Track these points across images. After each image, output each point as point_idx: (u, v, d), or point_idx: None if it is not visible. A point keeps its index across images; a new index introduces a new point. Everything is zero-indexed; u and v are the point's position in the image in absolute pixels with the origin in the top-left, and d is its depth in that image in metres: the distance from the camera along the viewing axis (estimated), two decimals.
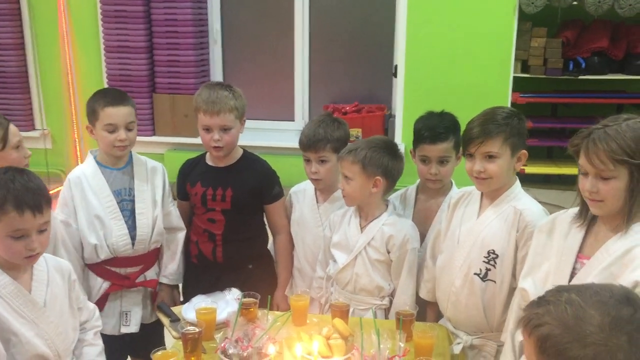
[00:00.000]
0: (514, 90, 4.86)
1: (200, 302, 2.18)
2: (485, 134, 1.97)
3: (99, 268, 2.28)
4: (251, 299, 2.11)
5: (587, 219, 1.71)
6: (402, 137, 5.07)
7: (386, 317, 2.22)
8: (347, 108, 5.21)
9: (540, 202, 2.06)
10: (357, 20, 5.35)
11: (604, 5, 4.67)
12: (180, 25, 5.17)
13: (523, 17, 4.83)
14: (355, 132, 5.22)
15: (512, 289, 1.96)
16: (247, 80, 5.52)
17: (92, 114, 2.38)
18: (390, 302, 2.24)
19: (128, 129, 2.38)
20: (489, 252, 1.96)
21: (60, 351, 1.80)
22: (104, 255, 2.38)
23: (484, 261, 1.97)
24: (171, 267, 2.55)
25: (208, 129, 2.44)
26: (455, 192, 2.27)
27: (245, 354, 1.89)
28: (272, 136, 5.35)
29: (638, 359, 1.02)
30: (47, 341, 1.76)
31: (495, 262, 1.95)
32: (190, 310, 2.16)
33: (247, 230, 2.56)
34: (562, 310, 1.05)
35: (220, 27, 5.47)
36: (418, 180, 2.40)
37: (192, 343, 1.89)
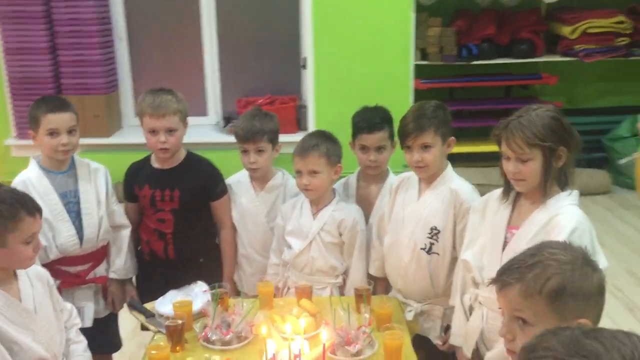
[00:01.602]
0: (415, 77, 5.23)
1: (172, 296, 2.31)
2: (419, 128, 2.23)
3: (50, 267, 2.34)
4: (223, 290, 2.27)
5: (512, 196, 2.02)
6: (315, 126, 5.30)
7: (341, 294, 2.45)
8: (261, 101, 5.37)
9: None
10: (263, 14, 5.51)
11: None
12: (85, 25, 5.10)
13: (420, 8, 5.21)
14: None
15: (452, 259, 2.25)
16: (156, 77, 5.53)
17: (34, 121, 2.43)
18: (344, 280, 2.47)
19: (70, 134, 2.45)
20: (431, 229, 2.24)
21: (56, 353, 1.89)
22: (53, 255, 2.44)
23: (427, 237, 2.24)
24: (118, 263, 2.64)
25: (154, 132, 2.55)
26: (392, 178, 2.53)
27: (227, 338, 2.06)
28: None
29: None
30: (44, 345, 1.84)
31: (438, 237, 2.23)
32: (164, 305, 2.29)
33: (196, 227, 2.69)
34: (557, 260, 1.30)
35: (125, 23, 5.44)
36: (358, 169, 2.63)
37: (177, 334, 2.03)
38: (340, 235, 2.43)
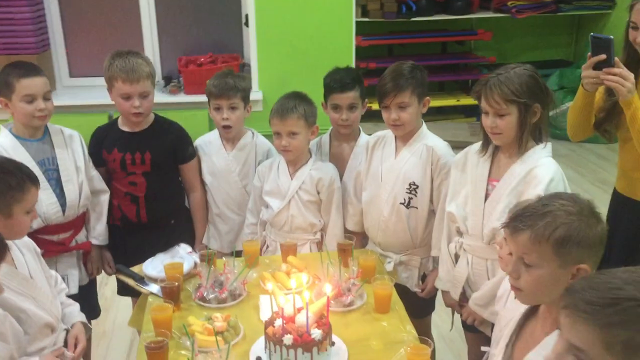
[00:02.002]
0: (356, 34, 5.30)
1: (159, 259, 2.34)
2: (397, 88, 2.32)
3: (32, 237, 2.31)
4: (212, 250, 2.33)
5: (490, 149, 2.16)
6: (258, 85, 5.30)
7: (319, 250, 2.55)
8: (202, 59, 5.31)
9: None
10: None
11: None
12: None
13: None
14: None
15: (429, 212, 2.38)
16: (91, 36, 5.35)
17: (7, 87, 2.34)
18: (321, 236, 2.57)
19: (46, 99, 2.39)
20: (410, 184, 2.35)
21: (58, 317, 1.90)
22: (36, 224, 2.40)
23: (406, 192, 2.35)
24: (99, 229, 2.63)
25: (128, 97, 2.52)
26: (364, 137, 2.62)
27: (223, 297, 2.12)
28: None
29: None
30: (46, 310, 1.85)
31: (416, 192, 2.35)
32: (151, 268, 2.31)
33: (167, 189, 2.70)
34: (566, 212, 1.43)
35: None
36: (330, 128, 2.70)
37: (174, 295, 2.07)
38: (318, 193, 2.51)
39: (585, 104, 2.25)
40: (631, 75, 2.11)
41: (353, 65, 5.20)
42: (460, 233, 2.21)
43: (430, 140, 2.37)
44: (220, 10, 5.49)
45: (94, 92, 5.11)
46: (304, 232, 2.54)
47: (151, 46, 5.41)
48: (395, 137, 2.42)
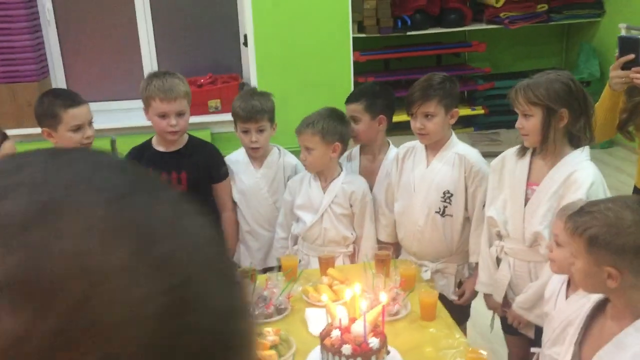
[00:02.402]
0: (354, 50, 5.37)
1: None
2: (423, 97, 2.38)
3: None
4: (252, 267, 2.35)
5: (528, 153, 2.22)
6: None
7: (351, 262, 2.58)
8: (202, 80, 5.33)
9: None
10: None
11: None
12: (10, 8, 4.85)
13: None
14: (214, 103, 5.40)
15: (464, 219, 2.43)
16: (89, 60, 5.36)
17: (53, 117, 2.37)
18: (354, 248, 2.60)
19: (90, 126, 2.44)
20: (444, 193, 2.40)
21: None
22: None
23: (441, 200, 2.40)
24: None
25: (164, 116, 2.55)
26: (393, 150, 2.67)
27: (269, 311, 2.15)
28: (122, 117, 5.26)
29: None
30: None
31: (451, 200, 2.40)
32: None
33: (203, 209, 2.72)
34: (604, 215, 1.50)
35: (52, 6, 5.20)
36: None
37: None
38: (351, 206, 2.54)
39: (612, 104, 2.32)
40: None
41: (351, 80, 5.28)
42: (500, 237, 2.26)
43: (461, 148, 2.43)
44: (217, 31, 5.54)
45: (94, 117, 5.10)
46: (337, 245, 2.57)
47: (150, 69, 5.42)
48: (426, 146, 2.47)
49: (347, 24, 5.29)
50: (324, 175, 2.56)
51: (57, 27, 5.27)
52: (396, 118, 5.50)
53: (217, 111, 5.39)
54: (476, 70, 5.74)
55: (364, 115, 2.64)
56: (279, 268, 2.48)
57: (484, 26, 5.64)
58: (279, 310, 2.17)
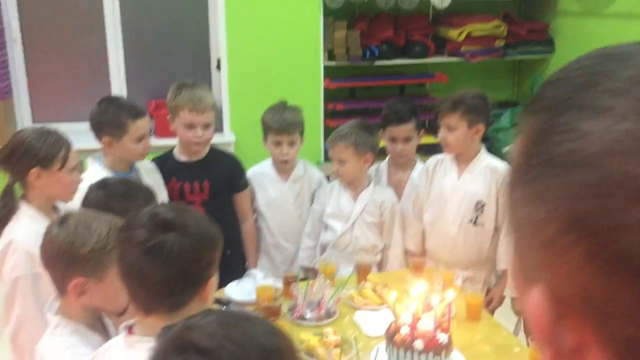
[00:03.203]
0: (324, 77, 5.49)
1: (243, 284, 2.35)
2: (448, 108, 2.51)
3: None
4: (294, 274, 2.38)
5: None
6: (230, 127, 5.34)
7: (379, 271, 2.64)
8: None
9: None
10: (170, 13, 5.43)
11: (390, 1, 5.55)
12: None
13: (326, 11, 5.48)
14: None
15: (494, 228, 2.55)
16: (56, 81, 5.22)
17: (119, 128, 2.33)
18: (382, 257, 2.67)
19: (149, 136, 2.43)
20: (477, 203, 2.52)
21: None
22: None
23: (474, 210, 2.52)
24: None
25: (191, 126, 2.55)
26: (420, 165, 2.77)
27: (321, 314, 2.17)
28: (89, 138, 5.14)
29: None
30: None
31: (483, 210, 2.51)
32: (237, 293, 2.32)
33: (224, 219, 2.70)
34: None
35: (19, 24, 5.05)
36: (388, 157, 2.83)
37: (278, 315, 2.10)
38: (381, 215, 2.61)
39: None
40: None
41: (322, 106, 5.40)
42: None
43: (491, 161, 2.56)
44: (188, 54, 5.53)
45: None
46: (367, 252, 2.63)
47: (119, 91, 5.33)
48: (456, 159, 2.58)
49: (319, 52, 5.42)
50: (354, 185, 2.62)
51: (23, 46, 5.12)
52: None
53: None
54: (438, 100, 5.97)
55: (415, 134, 2.75)
56: (303, 278, 2.50)
57: (446, 59, 5.89)
58: (329, 314, 2.20)
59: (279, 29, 5.31)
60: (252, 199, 2.79)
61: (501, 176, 2.50)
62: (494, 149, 6.06)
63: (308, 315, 2.15)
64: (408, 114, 2.75)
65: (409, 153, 2.75)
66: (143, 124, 2.41)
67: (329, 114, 5.53)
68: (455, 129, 2.50)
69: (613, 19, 5.26)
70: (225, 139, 5.00)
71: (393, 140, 2.72)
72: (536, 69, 6.19)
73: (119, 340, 1.35)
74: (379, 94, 5.99)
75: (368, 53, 5.67)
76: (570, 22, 5.78)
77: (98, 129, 2.40)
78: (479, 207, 2.51)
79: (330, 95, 5.68)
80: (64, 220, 1.55)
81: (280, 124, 2.66)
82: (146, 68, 5.43)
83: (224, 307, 2.27)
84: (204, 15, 5.39)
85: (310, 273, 2.39)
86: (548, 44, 6.02)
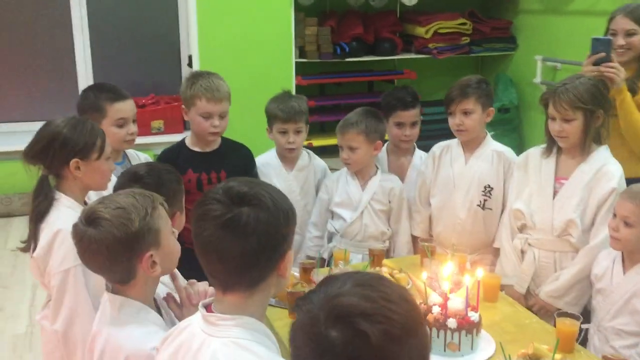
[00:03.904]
0: (296, 74, 5.49)
1: None
2: (462, 94, 2.55)
3: None
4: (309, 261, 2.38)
5: (554, 151, 2.43)
6: None
7: (387, 257, 2.65)
8: (144, 101, 5.19)
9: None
10: (138, 10, 5.32)
11: None
12: None
13: (297, 8, 5.48)
14: (157, 124, 5.27)
15: (501, 212, 2.60)
16: (21, 80, 5.05)
17: (97, 111, 2.26)
18: (390, 244, 2.69)
19: (134, 122, 2.35)
20: (485, 187, 2.56)
21: None
22: None
23: (482, 194, 2.57)
24: None
25: (208, 116, 2.51)
26: (419, 152, 2.81)
27: None
28: None
29: None
30: None
31: (491, 194, 2.57)
32: None
33: None
34: None
35: None
36: (386, 144, 2.86)
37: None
38: (389, 202, 2.64)
39: None
40: (623, 69, 2.54)
41: None
42: (522, 230, 2.43)
43: (497, 146, 2.62)
44: (158, 51, 5.44)
45: (13, 138, 4.78)
46: (375, 240, 2.65)
47: None
48: (462, 145, 2.62)
49: (290, 49, 5.41)
50: (362, 174, 2.64)
51: None
52: (326, 142, 5.69)
53: (160, 132, 5.26)
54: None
55: (419, 119, 2.79)
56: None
57: (414, 55, 5.98)
58: None
59: (251, 25, 5.29)
60: None
61: (507, 161, 2.57)
62: None
63: None
64: (413, 99, 2.79)
65: (415, 137, 2.79)
66: (123, 107, 2.34)
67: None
68: (471, 114, 2.55)
69: (572, 17, 5.45)
70: None
71: (400, 125, 2.76)
72: (499, 65, 6.35)
73: (196, 318, 1.33)
74: (348, 90, 6.04)
75: (339, 50, 5.70)
76: (532, 19, 5.96)
77: (81, 116, 2.33)
78: (487, 191, 2.56)
79: (301, 92, 5.68)
80: (89, 218, 1.50)
81: (287, 112, 2.66)
82: (115, 65, 5.31)
83: None
84: (174, 11, 5.32)
85: (318, 263, 2.38)
86: (511, 41, 6.18)
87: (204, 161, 2.59)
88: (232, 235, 1.24)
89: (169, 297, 1.69)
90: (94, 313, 1.66)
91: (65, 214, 1.87)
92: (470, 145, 2.62)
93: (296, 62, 5.49)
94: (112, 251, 1.47)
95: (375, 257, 2.46)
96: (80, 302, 1.83)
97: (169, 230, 1.59)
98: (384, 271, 2.36)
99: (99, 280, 1.68)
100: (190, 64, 5.29)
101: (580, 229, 2.31)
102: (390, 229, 2.67)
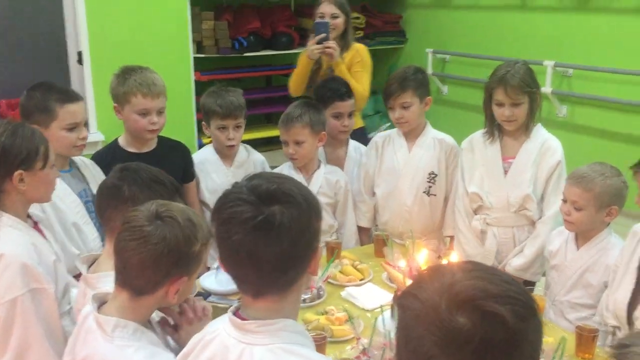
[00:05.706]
0: (195, 70, 5.31)
1: (217, 277, 2.22)
2: (400, 89, 2.58)
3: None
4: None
5: (496, 134, 2.53)
6: (97, 127, 4.95)
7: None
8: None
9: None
10: (16, 6, 4.89)
11: None
12: None
13: (193, 2, 5.30)
14: None
15: (445, 197, 2.66)
16: None
17: (46, 113, 2.03)
18: (337, 236, 2.66)
19: (85, 126, 2.15)
20: (429, 174, 2.61)
21: None
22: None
23: (427, 181, 2.61)
24: None
25: (145, 113, 2.34)
26: (353, 142, 2.80)
27: (314, 294, 2.14)
28: None
29: None
30: None
31: (435, 180, 2.61)
32: (217, 284, 2.19)
33: None
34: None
35: None
36: None
37: None
38: (335, 194, 2.61)
39: (307, 69, 3.11)
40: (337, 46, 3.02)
41: (193, 99, 5.23)
42: (477, 212, 2.52)
43: (436, 134, 2.67)
44: (41, 48, 5.03)
45: None
46: (324, 234, 2.61)
47: None
48: (404, 134, 2.65)
49: (188, 43, 5.22)
50: (306, 168, 2.60)
51: None
52: (266, 134, 5.57)
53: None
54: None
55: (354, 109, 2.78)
56: None
57: None
58: (319, 294, 2.16)
59: (146, 18, 5.03)
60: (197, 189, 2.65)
61: (449, 146, 2.63)
62: (364, 136, 6.29)
63: (305, 297, 2.10)
64: (348, 89, 2.78)
65: (352, 127, 2.78)
66: (75, 110, 2.14)
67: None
68: (410, 106, 2.58)
69: (458, 11, 5.71)
70: (92, 138, 4.63)
71: (338, 116, 2.74)
72: (390, 58, 6.52)
73: (224, 329, 1.22)
74: (247, 85, 5.93)
75: (237, 45, 5.59)
76: (421, 14, 6.18)
77: (24, 117, 2.10)
78: (432, 178, 2.61)
79: (200, 88, 5.50)
80: (158, 214, 1.35)
81: (226, 107, 2.55)
82: None
83: (206, 298, 2.12)
84: (58, 6, 4.94)
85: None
86: (400, 34, 6.37)
87: (142, 162, 2.42)
88: (266, 238, 1.15)
89: (163, 321, 1.55)
90: (47, 343, 1.48)
91: (8, 235, 1.64)
92: (412, 135, 2.65)
93: (194, 58, 5.31)
94: (156, 259, 1.33)
95: (333, 250, 2.43)
96: (31, 333, 1.60)
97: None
98: (345, 263, 2.34)
99: (51, 306, 1.51)
100: (80, 61, 4.95)
101: (535, 202, 2.42)
102: (336, 222, 2.65)
